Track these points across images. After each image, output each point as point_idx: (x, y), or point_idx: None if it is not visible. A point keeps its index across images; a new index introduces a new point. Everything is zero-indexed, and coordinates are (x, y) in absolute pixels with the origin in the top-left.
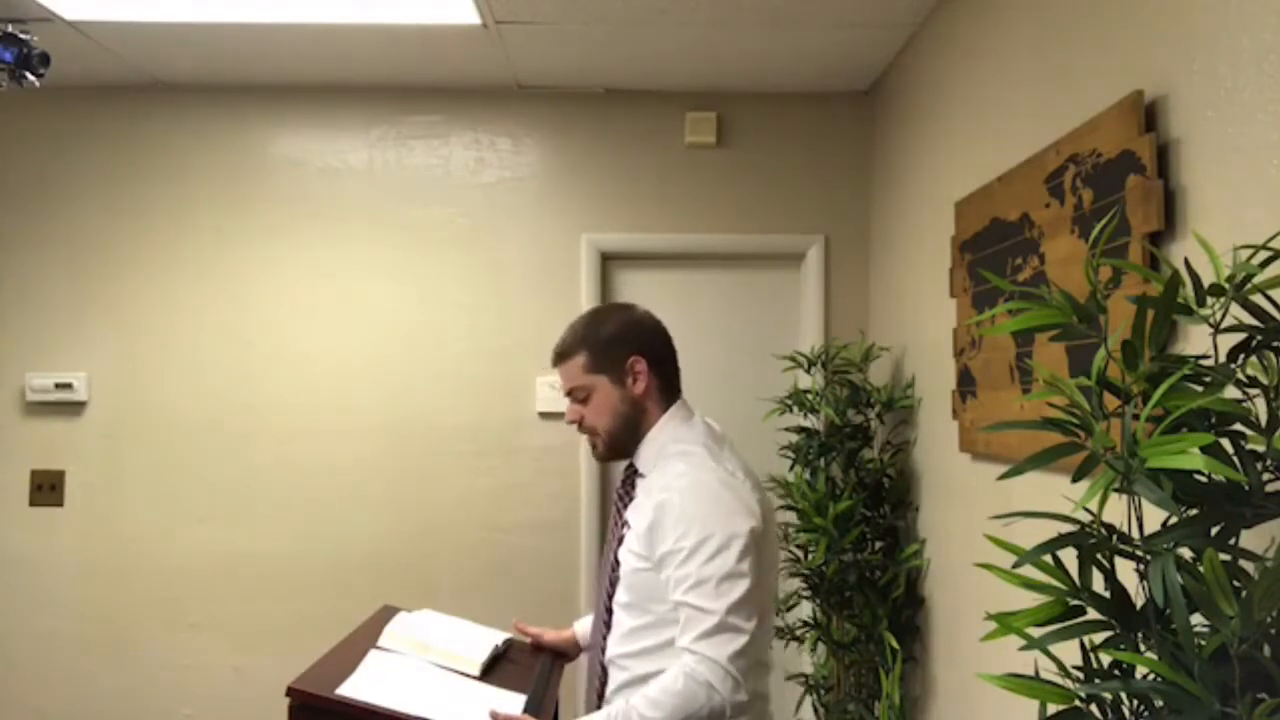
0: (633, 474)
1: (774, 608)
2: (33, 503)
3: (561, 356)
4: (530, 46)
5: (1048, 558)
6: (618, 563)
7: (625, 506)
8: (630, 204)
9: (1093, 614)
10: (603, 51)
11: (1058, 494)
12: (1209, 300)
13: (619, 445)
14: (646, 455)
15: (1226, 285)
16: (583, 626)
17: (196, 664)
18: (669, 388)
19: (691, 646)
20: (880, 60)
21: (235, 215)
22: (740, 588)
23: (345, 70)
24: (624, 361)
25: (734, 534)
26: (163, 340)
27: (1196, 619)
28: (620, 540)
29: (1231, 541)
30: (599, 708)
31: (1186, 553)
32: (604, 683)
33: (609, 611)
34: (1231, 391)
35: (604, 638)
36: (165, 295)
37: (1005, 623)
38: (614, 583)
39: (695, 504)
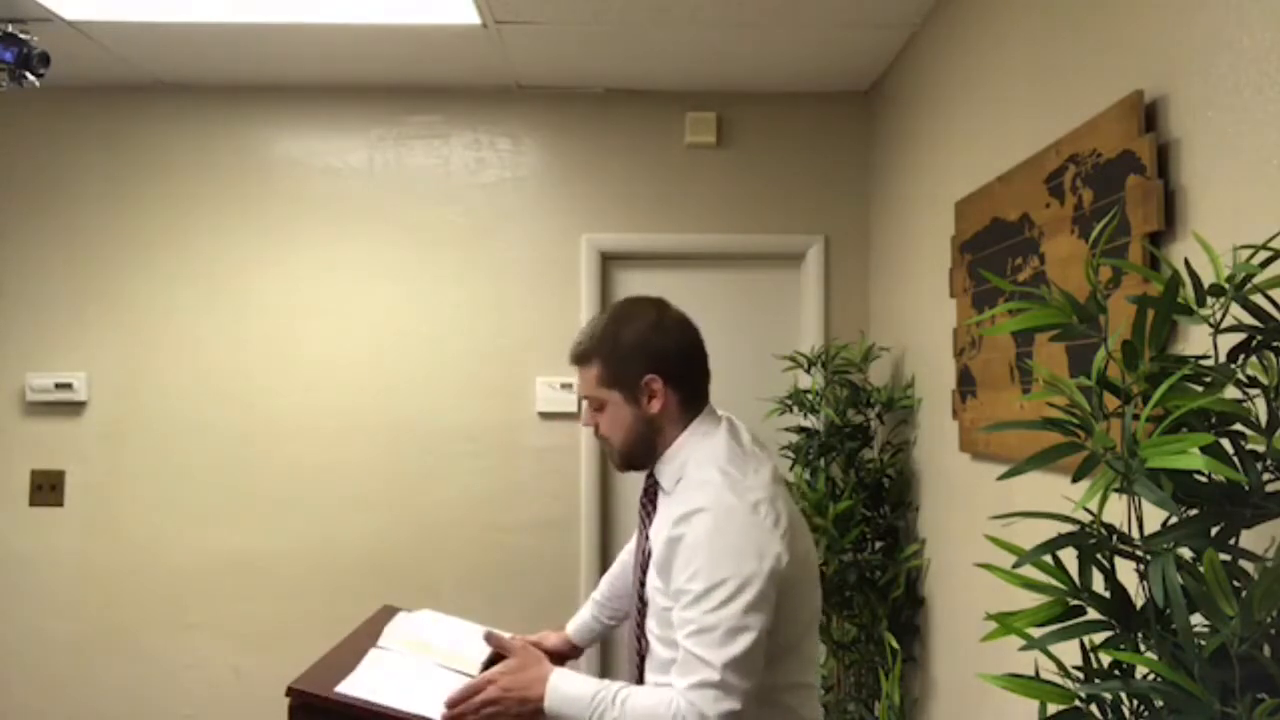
0: (654, 484)
1: (815, 627)
2: (33, 503)
3: (577, 360)
4: (530, 46)
5: (1048, 558)
6: (643, 587)
7: (649, 520)
8: (630, 204)
9: (1093, 614)
10: (603, 51)
11: (1058, 494)
12: (1209, 300)
13: (633, 461)
14: (667, 473)
15: (1226, 285)
16: (574, 627)
17: (196, 664)
18: (692, 400)
19: (685, 694)
20: (880, 60)
21: (235, 215)
22: (743, 641)
23: (345, 70)
24: (639, 380)
25: (745, 581)
26: (163, 340)
27: (1196, 619)
28: (644, 569)
29: (1231, 541)
30: None
31: (1186, 553)
32: None
33: (639, 639)
34: (1231, 391)
35: (638, 667)
36: (165, 295)
37: (1005, 623)
38: (643, 612)
39: (707, 543)
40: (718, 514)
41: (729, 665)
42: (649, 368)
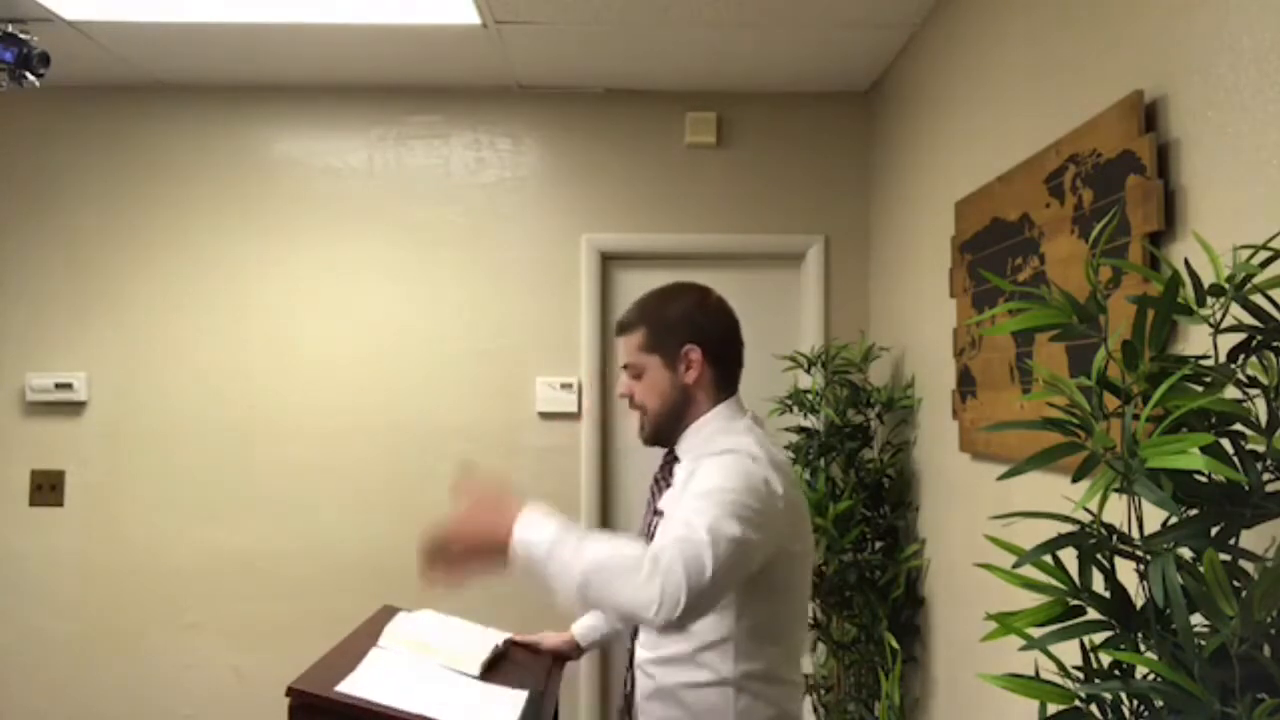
0: (672, 460)
1: (804, 622)
2: (33, 503)
3: (623, 328)
4: (530, 46)
5: (1048, 558)
6: None
7: (660, 493)
8: (630, 204)
9: (1093, 614)
10: (603, 51)
11: (1058, 494)
12: (1209, 300)
13: (663, 429)
14: (689, 445)
15: (1226, 285)
16: (580, 628)
17: (196, 664)
18: (725, 381)
19: (665, 543)
20: (880, 60)
21: (235, 215)
22: (735, 529)
23: (345, 70)
24: (679, 347)
25: (750, 506)
26: (163, 340)
27: (1196, 619)
28: (651, 536)
29: (1231, 541)
30: (628, 714)
31: (1186, 553)
32: (633, 688)
33: None
34: (1231, 391)
35: (632, 639)
36: (165, 295)
37: (1005, 623)
38: None
39: (722, 470)
40: (737, 457)
41: (714, 531)
42: (690, 337)
